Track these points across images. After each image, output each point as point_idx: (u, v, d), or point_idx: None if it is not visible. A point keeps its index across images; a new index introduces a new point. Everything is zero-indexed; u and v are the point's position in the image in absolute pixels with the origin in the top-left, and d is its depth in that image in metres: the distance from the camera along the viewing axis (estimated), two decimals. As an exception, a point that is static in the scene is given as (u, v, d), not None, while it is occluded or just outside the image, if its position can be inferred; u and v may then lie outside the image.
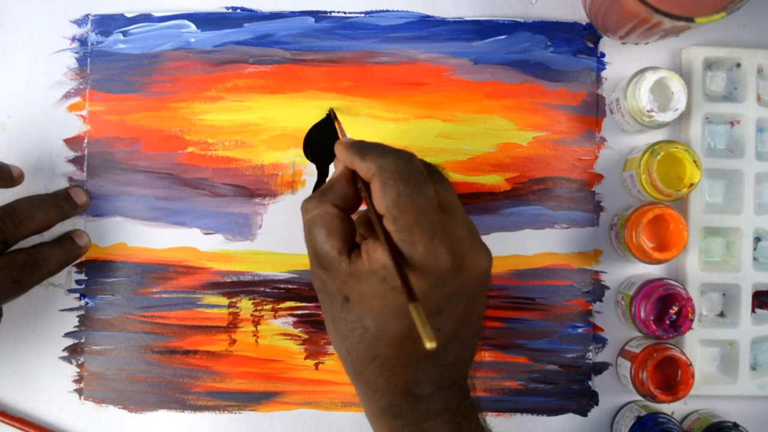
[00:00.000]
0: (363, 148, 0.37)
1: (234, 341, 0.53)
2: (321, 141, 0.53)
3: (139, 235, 0.53)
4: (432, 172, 0.38)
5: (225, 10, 0.53)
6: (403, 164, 0.35)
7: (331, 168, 0.53)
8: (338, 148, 0.39)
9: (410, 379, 0.37)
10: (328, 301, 0.37)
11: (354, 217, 0.39)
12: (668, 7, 0.42)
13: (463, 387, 0.39)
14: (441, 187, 0.37)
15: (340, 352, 0.38)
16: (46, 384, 0.53)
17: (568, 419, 0.53)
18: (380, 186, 0.35)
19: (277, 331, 0.53)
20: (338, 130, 0.51)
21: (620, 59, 0.53)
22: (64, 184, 0.53)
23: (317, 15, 0.53)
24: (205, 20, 0.53)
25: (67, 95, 0.53)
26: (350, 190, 0.38)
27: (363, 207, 0.39)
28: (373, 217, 0.36)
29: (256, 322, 0.53)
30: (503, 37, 0.53)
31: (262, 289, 0.53)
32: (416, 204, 0.34)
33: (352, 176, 0.38)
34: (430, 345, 0.29)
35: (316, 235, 0.37)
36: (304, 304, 0.53)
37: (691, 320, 0.49)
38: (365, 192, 0.37)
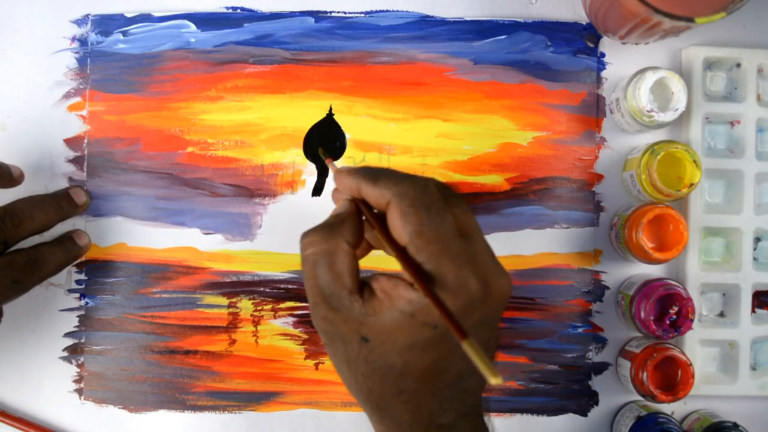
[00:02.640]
0: (372, 173, 0.35)
1: (234, 341, 0.53)
2: (321, 141, 0.53)
3: (139, 235, 0.53)
4: (449, 196, 0.35)
5: (225, 10, 0.53)
6: (421, 191, 0.33)
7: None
8: (340, 176, 0.37)
9: (435, 409, 0.35)
10: (339, 344, 0.34)
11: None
12: (668, 7, 0.42)
13: (481, 414, 0.38)
14: (460, 210, 0.35)
15: (360, 392, 0.36)
16: (46, 384, 0.53)
17: (568, 419, 0.53)
18: (400, 215, 0.33)
19: (277, 331, 0.53)
20: (327, 163, 0.50)
21: (620, 59, 0.53)
22: (64, 184, 0.53)
23: (317, 15, 0.53)
24: (205, 20, 0.53)
25: (67, 95, 0.53)
26: (358, 223, 0.36)
27: None
28: (392, 247, 0.34)
29: (256, 322, 0.53)
30: (503, 37, 0.53)
31: (261, 289, 0.53)
32: (440, 233, 0.32)
33: (356, 208, 0.36)
34: (495, 381, 0.27)
35: (321, 273, 0.34)
36: (304, 304, 0.53)
37: (691, 320, 0.49)
38: (375, 221, 0.35)
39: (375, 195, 0.34)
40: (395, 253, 0.33)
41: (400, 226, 0.33)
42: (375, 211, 0.36)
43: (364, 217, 0.37)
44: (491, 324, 0.35)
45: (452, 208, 0.34)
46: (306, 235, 0.35)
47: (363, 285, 0.34)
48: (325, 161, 0.50)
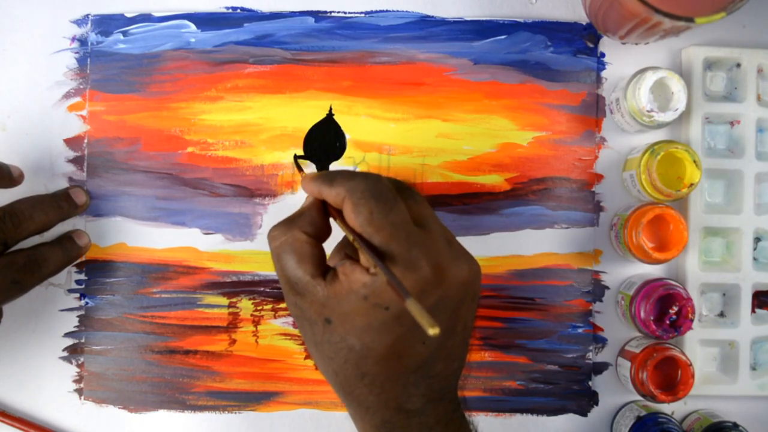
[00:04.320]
0: (329, 176, 0.38)
1: (234, 341, 0.53)
2: (321, 141, 0.53)
3: (139, 235, 0.53)
4: (402, 189, 0.38)
5: (225, 10, 0.53)
6: (372, 184, 0.36)
7: (331, 169, 0.53)
8: (304, 182, 0.39)
9: (401, 394, 0.37)
10: (308, 327, 0.37)
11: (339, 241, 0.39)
12: (668, 7, 0.42)
13: (454, 399, 0.39)
14: (413, 202, 0.37)
15: (327, 374, 0.38)
16: (46, 384, 0.53)
17: (568, 419, 0.53)
18: (352, 207, 0.35)
19: (277, 331, 0.53)
20: (299, 173, 0.52)
21: (620, 59, 0.53)
22: (64, 184, 0.53)
23: (317, 15, 0.53)
24: (205, 20, 0.53)
25: (67, 95, 0.53)
26: (320, 218, 0.38)
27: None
28: (349, 235, 0.36)
29: (256, 322, 0.53)
30: (503, 37, 0.53)
31: (262, 289, 0.53)
32: (389, 219, 0.35)
33: (321, 206, 0.39)
34: (433, 331, 0.29)
35: (286, 262, 0.37)
36: (304, 304, 0.53)
37: (691, 320, 0.49)
38: (339, 218, 0.37)
39: (332, 195, 0.37)
40: (352, 236, 0.35)
41: (353, 217, 0.35)
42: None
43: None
44: (452, 308, 0.37)
45: (406, 199, 0.37)
46: (270, 231, 0.38)
47: (329, 270, 0.37)
48: (299, 171, 0.52)
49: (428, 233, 0.36)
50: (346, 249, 0.39)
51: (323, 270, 0.37)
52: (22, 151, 0.53)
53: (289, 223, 0.38)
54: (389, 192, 0.36)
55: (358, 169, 0.53)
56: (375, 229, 0.35)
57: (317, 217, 0.38)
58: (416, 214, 0.37)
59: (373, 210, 0.35)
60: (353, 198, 0.35)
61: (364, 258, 0.35)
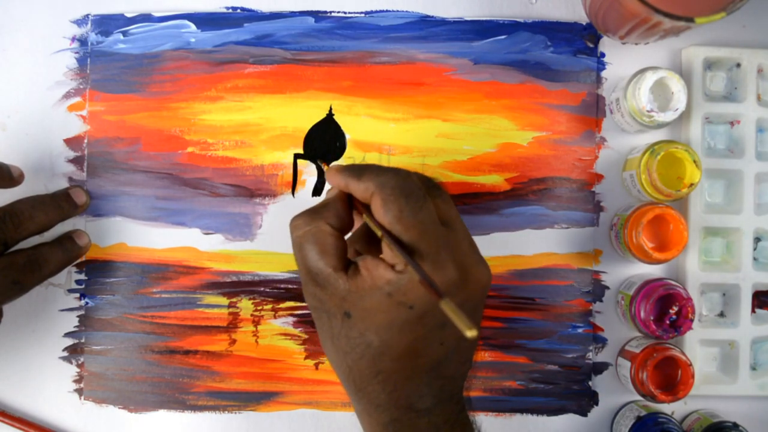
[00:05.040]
0: (358, 169, 0.37)
1: (234, 341, 0.53)
2: (321, 141, 0.53)
3: (139, 235, 0.53)
4: (430, 186, 0.37)
5: (225, 10, 0.53)
6: (402, 180, 0.35)
7: (331, 168, 0.53)
8: (330, 173, 0.39)
9: (412, 393, 0.36)
10: (325, 319, 0.36)
11: (347, 235, 0.39)
12: (668, 7, 0.42)
13: (460, 400, 0.39)
14: (441, 201, 0.37)
15: (340, 368, 0.37)
16: (46, 384, 0.53)
17: (568, 419, 0.53)
18: (381, 203, 0.35)
19: (277, 331, 0.53)
20: (323, 167, 0.52)
21: (620, 59, 0.53)
22: (64, 184, 0.53)
23: (317, 15, 0.53)
24: (205, 20, 0.53)
25: (67, 95, 0.53)
26: (344, 211, 0.38)
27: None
28: (377, 231, 0.35)
29: (256, 322, 0.53)
30: (503, 37, 0.53)
31: (262, 289, 0.53)
32: (419, 218, 0.34)
33: (347, 199, 0.38)
34: (470, 333, 0.28)
35: (308, 252, 0.36)
36: (304, 304, 0.53)
37: (691, 320, 0.49)
38: (366, 213, 0.37)
39: (361, 189, 0.36)
40: (381, 232, 0.35)
41: (381, 214, 0.35)
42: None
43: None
44: (471, 310, 0.37)
45: (434, 198, 0.36)
46: (293, 219, 0.38)
47: (350, 264, 0.36)
48: (322, 166, 0.52)
49: (454, 234, 0.36)
50: (356, 245, 0.38)
51: (345, 263, 0.36)
52: (22, 151, 0.53)
53: (313, 213, 0.37)
54: (419, 190, 0.35)
55: None
56: (404, 227, 0.34)
57: (342, 210, 0.38)
58: (443, 214, 0.37)
59: (403, 208, 0.34)
60: (383, 194, 0.35)
61: (389, 254, 0.35)
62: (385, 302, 0.34)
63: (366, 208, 0.37)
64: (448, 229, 0.36)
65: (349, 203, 0.38)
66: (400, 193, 0.35)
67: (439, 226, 0.35)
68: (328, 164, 0.53)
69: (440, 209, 0.37)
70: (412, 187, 0.35)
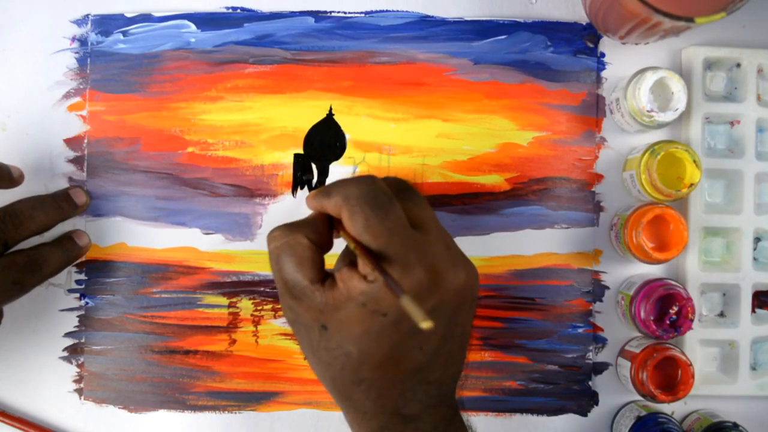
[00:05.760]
0: (327, 187, 0.37)
1: (234, 341, 0.53)
2: (321, 141, 0.53)
3: (139, 235, 0.53)
4: (402, 190, 0.37)
5: (225, 10, 0.53)
6: (366, 189, 0.35)
7: (331, 169, 0.53)
8: (308, 201, 0.39)
9: (398, 399, 0.36)
10: (303, 332, 0.37)
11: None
12: (668, 7, 0.42)
13: (452, 404, 0.39)
14: (412, 204, 0.37)
15: (325, 380, 0.37)
16: (46, 384, 0.53)
17: (568, 419, 0.53)
18: (348, 215, 0.35)
19: (277, 331, 0.53)
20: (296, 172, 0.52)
21: (620, 59, 0.53)
22: (64, 184, 0.53)
23: (317, 15, 0.53)
24: (205, 20, 0.53)
25: (67, 95, 0.53)
26: (323, 228, 0.37)
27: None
28: (350, 244, 0.35)
29: (256, 322, 0.53)
30: (503, 37, 0.53)
31: (262, 289, 0.53)
32: (385, 226, 0.34)
33: (326, 220, 0.38)
34: (426, 325, 0.29)
35: (284, 264, 0.36)
36: (304, 304, 0.53)
37: (691, 320, 0.49)
38: (342, 228, 0.36)
39: (331, 206, 0.36)
40: (353, 244, 0.35)
41: (350, 226, 0.35)
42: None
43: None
44: (449, 314, 0.36)
45: (405, 201, 0.36)
46: (271, 231, 0.37)
47: (327, 276, 0.36)
48: (299, 173, 0.52)
49: (426, 236, 0.36)
50: (351, 257, 0.38)
51: (322, 276, 0.36)
52: (22, 151, 0.53)
53: (291, 226, 0.37)
54: (384, 196, 0.35)
55: (358, 170, 0.53)
56: (372, 235, 0.34)
57: (320, 226, 0.37)
58: (415, 216, 0.36)
59: (369, 216, 0.34)
60: (348, 206, 0.35)
61: (363, 265, 0.35)
62: (360, 312, 0.34)
63: (340, 223, 0.37)
64: (421, 231, 0.36)
65: (329, 224, 0.38)
66: (365, 203, 0.35)
67: (409, 229, 0.35)
68: (327, 166, 0.53)
69: (412, 212, 0.36)
70: (377, 194, 0.35)
